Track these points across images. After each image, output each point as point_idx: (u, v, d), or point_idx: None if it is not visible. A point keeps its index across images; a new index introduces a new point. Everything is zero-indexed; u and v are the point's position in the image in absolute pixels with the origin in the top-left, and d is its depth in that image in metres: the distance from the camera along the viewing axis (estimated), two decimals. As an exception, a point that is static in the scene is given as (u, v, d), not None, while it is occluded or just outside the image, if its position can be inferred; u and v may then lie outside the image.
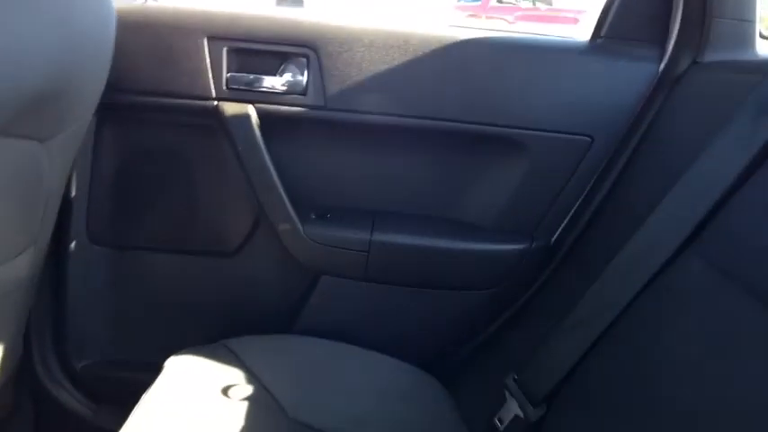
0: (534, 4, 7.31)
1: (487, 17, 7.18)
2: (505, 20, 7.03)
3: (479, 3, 7.33)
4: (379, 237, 0.98)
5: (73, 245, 1.00)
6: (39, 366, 1.03)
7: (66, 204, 0.97)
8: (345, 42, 0.92)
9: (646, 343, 0.69)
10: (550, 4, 7.25)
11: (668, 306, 0.68)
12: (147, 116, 0.97)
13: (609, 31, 0.97)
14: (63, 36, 0.64)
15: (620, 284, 0.74)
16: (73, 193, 0.98)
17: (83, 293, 1.03)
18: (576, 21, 6.32)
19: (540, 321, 0.97)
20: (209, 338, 0.96)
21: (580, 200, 0.98)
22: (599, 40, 0.98)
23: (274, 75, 0.93)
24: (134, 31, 0.90)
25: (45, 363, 1.04)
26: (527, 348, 0.87)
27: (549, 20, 6.77)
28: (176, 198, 1.02)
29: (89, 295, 1.04)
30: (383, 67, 0.92)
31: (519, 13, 7.13)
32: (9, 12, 0.54)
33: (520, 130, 0.95)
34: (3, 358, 0.85)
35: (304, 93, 0.93)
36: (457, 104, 0.94)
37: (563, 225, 0.99)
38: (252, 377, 0.87)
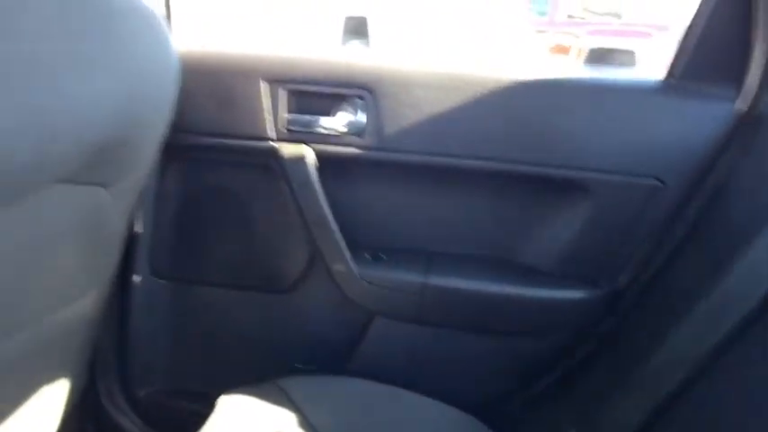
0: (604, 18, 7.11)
1: (556, 33, 7.05)
2: (575, 35, 6.87)
3: (548, 18, 7.20)
4: (434, 279, 0.96)
5: (137, 278, 1.04)
6: (103, 394, 1.07)
7: (130, 239, 1.01)
8: (402, 83, 0.91)
9: (721, 408, 0.64)
10: (619, 18, 7.04)
11: (749, 368, 0.63)
12: (209, 155, 0.99)
13: (683, 71, 0.91)
14: (126, 88, 0.66)
15: (695, 341, 0.69)
16: (138, 229, 1.01)
17: (145, 325, 1.07)
18: (648, 35, 6.09)
19: (603, 375, 0.92)
20: (263, 373, 0.97)
21: (649, 247, 0.92)
22: (672, 80, 0.92)
23: (331, 116, 0.94)
24: (196, 74, 0.92)
25: (109, 391, 1.07)
26: (587, 403, 0.83)
27: (622, 34, 6.56)
28: (235, 235, 1.04)
29: (151, 326, 1.07)
30: (440, 108, 0.91)
31: (590, 28, 6.95)
32: (74, 70, 0.56)
33: (584, 173, 0.91)
34: (69, 388, 0.89)
35: (361, 134, 0.93)
36: (517, 145, 0.91)
37: (629, 273, 0.94)
38: (303, 419, 0.87)
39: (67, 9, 0.55)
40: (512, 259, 1.00)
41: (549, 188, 0.95)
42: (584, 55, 6.65)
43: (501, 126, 0.91)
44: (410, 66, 0.93)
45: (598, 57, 6.59)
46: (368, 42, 5.91)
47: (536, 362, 1.01)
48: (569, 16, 7.14)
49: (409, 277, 0.97)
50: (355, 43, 6.00)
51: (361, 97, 0.92)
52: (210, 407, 0.86)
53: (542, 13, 7.15)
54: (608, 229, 0.94)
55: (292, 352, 1.07)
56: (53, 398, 0.85)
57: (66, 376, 0.87)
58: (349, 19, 6.16)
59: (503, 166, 0.92)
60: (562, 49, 6.99)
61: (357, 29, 6.02)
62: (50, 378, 0.84)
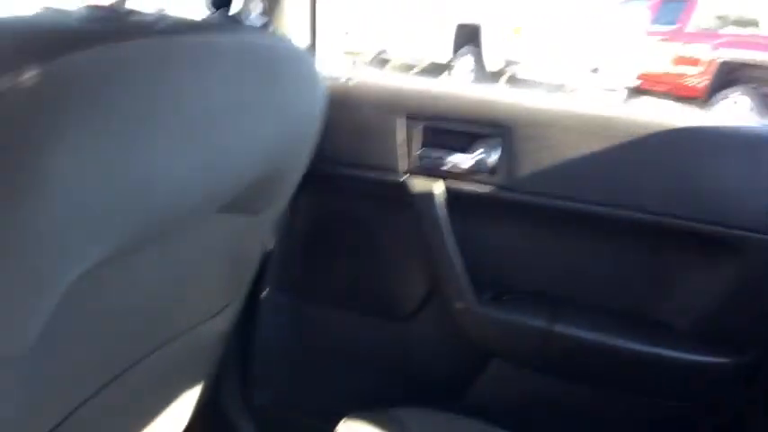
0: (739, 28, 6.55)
1: (685, 43, 6.59)
2: (706, 46, 6.39)
3: (674, 27, 6.74)
4: (559, 327, 0.93)
5: (265, 293, 1.09)
6: (225, 400, 1.13)
7: (262, 256, 1.06)
8: (540, 125, 0.89)
9: None
10: (757, 27, 6.44)
11: None
12: (342, 183, 1.02)
13: None
14: (282, 126, 0.69)
15: None
16: (269, 247, 1.06)
17: (269, 337, 1.12)
18: (793, 50, 5.53)
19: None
20: (376, 397, 0.98)
21: None
22: None
23: (465, 153, 0.93)
24: (338, 106, 0.95)
25: (231, 397, 1.13)
26: None
27: (758, 47, 6.02)
28: (360, 260, 1.06)
29: (274, 339, 1.12)
30: (579, 152, 0.88)
31: (721, 40, 6.44)
32: (244, 117, 0.60)
33: (735, 231, 0.84)
34: (198, 394, 0.95)
35: (494, 172, 0.92)
36: (660, 197, 0.86)
37: None
38: None
39: (244, 63, 0.58)
40: (645, 314, 0.95)
41: (693, 243, 0.88)
42: (713, 68, 6.19)
43: (644, 174, 0.86)
44: (550, 106, 0.91)
45: (730, 71, 6.11)
46: (480, 51, 5.86)
47: (661, 428, 0.95)
48: (700, 26, 6.65)
49: (533, 322, 0.94)
50: (466, 51, 5.97)
51: (497, 136, 0.91)
52: (323, 423, 0.88)
53: (671, 23, 6.71)
54: (758, 293, 0.86)
55: (406, 380, 1.08)
56: (183, 402, 0.92)
57: (196, 383, 0.93)
58: (461, 27, 6.12)
59: (642, 216, 0.87)
60: (688, 61, 6.54)
61: (469, 37, 5.98)
62: (183, 385, 0.90)
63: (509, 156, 0.91)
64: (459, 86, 0.98)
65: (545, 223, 0.96)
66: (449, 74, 6.21)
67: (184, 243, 0.66)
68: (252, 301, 1.08)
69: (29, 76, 0.36)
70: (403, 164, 0.95)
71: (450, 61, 6.22)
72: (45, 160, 0.37)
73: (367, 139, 0.96)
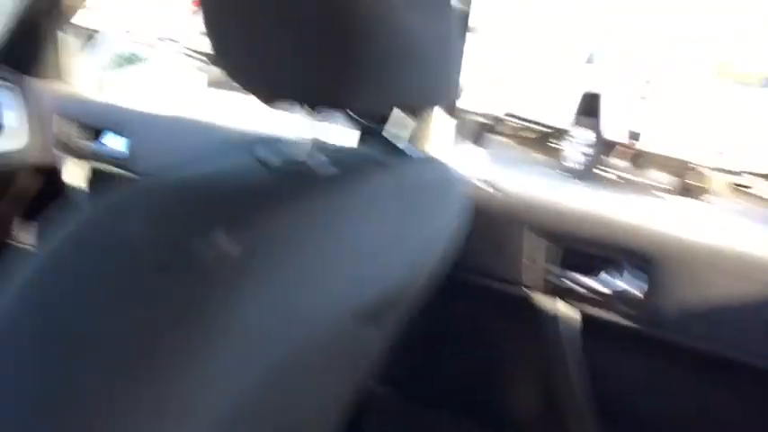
0: None
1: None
2: None
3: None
4: None
5: (373, 390, 1.08)
6: None
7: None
8: (688, 260, 0.83)
9: None
10: None
11: None
12: (464, 289, 1.01)
13: None
14: (423, 248, 0.70)
15: None
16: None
17: (371, 430, 1.10)
18: None
19: None
20: None
21: None
22: None
23: (596, 276, 0.89)
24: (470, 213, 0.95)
25: None
26: None
27: None
28: (474, 367, 1.04)
29: None
30: (728, 295, 0.81)
31: None
32: (394, 241, 0.61)
33: None
34: None
35: (628, 303, 0.87)
36: None
37: None
38: None
39: (403, 200, 0.61)
40: None
41: None
42: None
43: None
44: (701, 240, 0.85)
45: None
46: (598, 121, 5.69)
47: None
48: None
49: None
50: (585, 120, 5.82)
51: (637, 266, 0.86)
52: None
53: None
54: None
55: None
56: None
57: None
58: (586, 95, 6.01)
59: None
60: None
61: (593, 106, 5.83)
62: None
63: (649, 289, 0.85)
64: (597, 206, 0.94)
65: (687, 365, 0.88)
66: (567, 141, 6.06)
67: (319, 347, 0.68)
68: (358, 397, 1.08)
69: (217, 240, 0.39)
70: (528, 279, 0.93)
71: (567, 129, 6.09)
72: (227, 314, 0.40)
73: (494, 248, 0.95)
